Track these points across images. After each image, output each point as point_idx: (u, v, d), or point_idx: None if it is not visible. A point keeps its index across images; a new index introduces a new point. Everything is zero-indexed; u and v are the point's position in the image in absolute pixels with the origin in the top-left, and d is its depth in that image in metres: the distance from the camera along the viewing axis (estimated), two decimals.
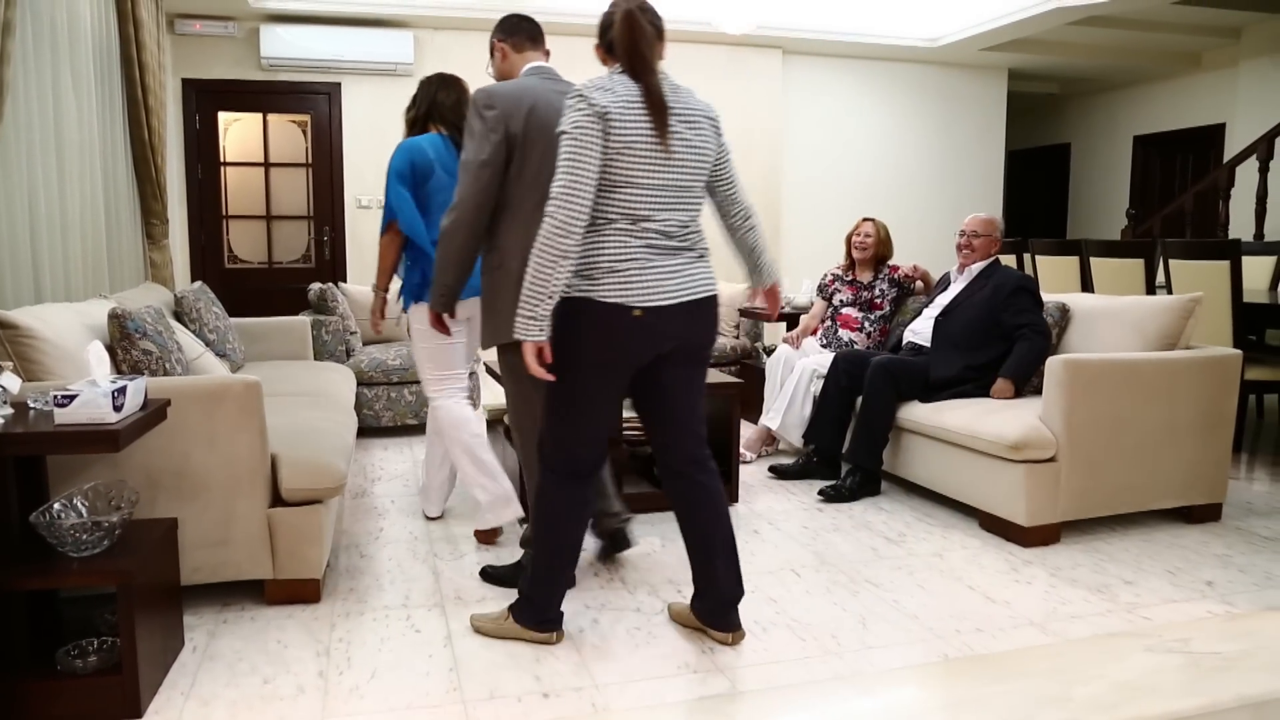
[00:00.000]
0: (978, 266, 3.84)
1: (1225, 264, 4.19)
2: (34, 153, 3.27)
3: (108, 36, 4.15)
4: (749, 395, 4.39)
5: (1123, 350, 3.38)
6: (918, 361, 3.71)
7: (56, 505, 2.05)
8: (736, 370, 5.30)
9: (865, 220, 4.46)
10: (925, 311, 3.98)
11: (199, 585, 2.53)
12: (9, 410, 2.00)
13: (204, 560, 2.48)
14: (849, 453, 3.79)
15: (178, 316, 3.78)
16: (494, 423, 3.95)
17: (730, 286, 5.76)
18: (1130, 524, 3.35)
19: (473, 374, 4.27)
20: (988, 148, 8.05)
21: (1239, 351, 3.38)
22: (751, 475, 3.99)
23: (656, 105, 2.10)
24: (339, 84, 6.52)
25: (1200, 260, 4.35)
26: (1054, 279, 5.33)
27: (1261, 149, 6.18)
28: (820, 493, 3.66)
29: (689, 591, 2.69)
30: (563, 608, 2.39)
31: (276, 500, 2.55)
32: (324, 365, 4.41)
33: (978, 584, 2.78)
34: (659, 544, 3.12)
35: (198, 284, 4.11)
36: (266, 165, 6.57)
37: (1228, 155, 7.34)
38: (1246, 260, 5.03)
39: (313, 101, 6.57)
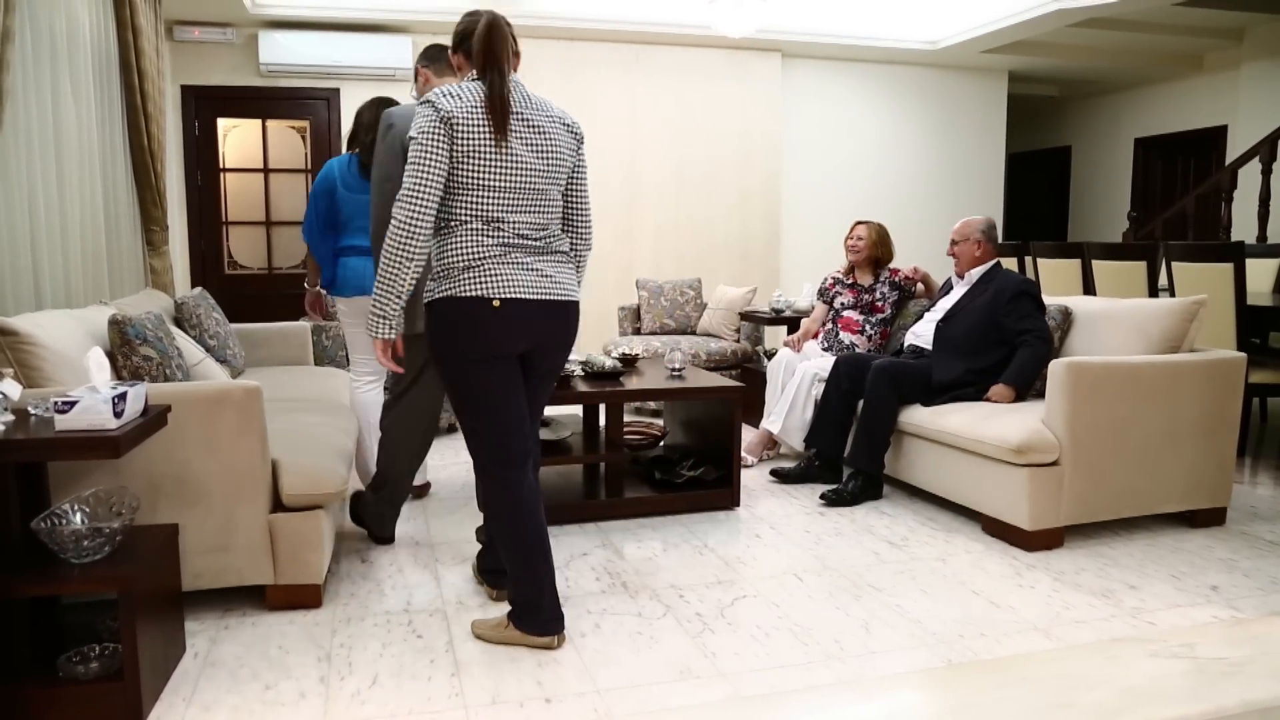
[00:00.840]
0: (978, 271, 3.82)
1: (1228, 266, 4.17)
2: (34, 160, 3.27)
3: (107, 44, 4.15)
4: (750, 399, 4.39)
5: (1125, 353, 3.37)
6: (919, 365, 3.69)
7: (57, 512, 2.04)
8: (737, 374, 5.29)
9: (858, 223, 4.46)
10: (926, 314, 3.97)
11: (200, 591, 2.54)
12: (9, 417, 2.00)
13: (205, 566, 2.48)
14: (851, 456, 3.78)
15: (178, 322, 3.77)
16: None
17: (730, 289, 5.76)
18: (1134, 528, 3.34)
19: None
20: (988, 150, 8.04)
21: (1243, 354, 3.37)
22: (753, 479, 3.99)
23: (496, 109, 2.18)
24: (337, 89, 6.52)
25: (1203, 263, 4.33)
26: (1055, 282, 5.32)
27: (1264, 151, 6.17)
28: (822, 496, 3.65)
29: (691, 595, 2.69)
30: (564, 611, 2.38)
31: (277, 506, 2.55)
32: (324, 371, 4.40)
33: (981, 588, 2.78)
34: (660, 548, 3.12)
35: (198, 290, 4.11)
36: (266, 171, 6.57)
37: (1230, 157, 7.32)
38: (1250, 263, 5.03)
39: (311, 107, 6.57)
